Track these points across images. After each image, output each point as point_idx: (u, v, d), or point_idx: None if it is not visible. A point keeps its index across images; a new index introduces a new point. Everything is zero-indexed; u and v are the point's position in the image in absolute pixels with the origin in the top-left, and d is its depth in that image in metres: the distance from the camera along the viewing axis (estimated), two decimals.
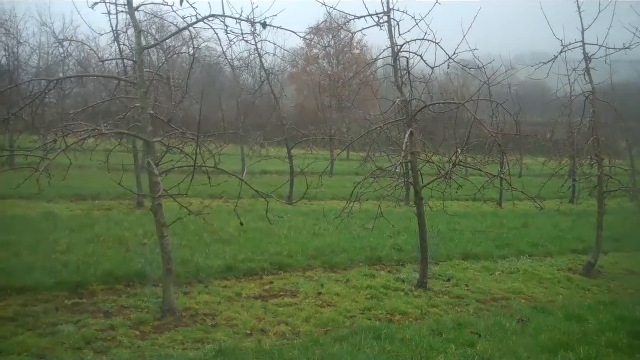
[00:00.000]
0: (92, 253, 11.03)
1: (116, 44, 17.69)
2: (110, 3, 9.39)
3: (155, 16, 19.81)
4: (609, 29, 12.37)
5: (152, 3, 9.10)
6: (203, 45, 27.37)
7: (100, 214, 16.22)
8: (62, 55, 33.57)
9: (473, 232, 15.89)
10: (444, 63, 10.42)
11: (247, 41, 14.60)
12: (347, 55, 52.08)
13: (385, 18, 10.40)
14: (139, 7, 8.82)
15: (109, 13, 11.74)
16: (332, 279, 10.75)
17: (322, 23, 30.60)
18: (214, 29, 8.69)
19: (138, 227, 13.58)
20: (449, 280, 11.15)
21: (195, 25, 8.71)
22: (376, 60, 12.90)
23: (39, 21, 46.21)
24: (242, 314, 8.55)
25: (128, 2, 8.54)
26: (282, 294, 9.75)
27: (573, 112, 16.34)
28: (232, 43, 11.11)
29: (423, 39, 10.15)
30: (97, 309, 8.44)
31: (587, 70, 12.56)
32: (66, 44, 29.97)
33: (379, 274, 11.30)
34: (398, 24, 10.35)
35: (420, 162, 10.69)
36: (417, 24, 10.03)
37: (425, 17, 10.01)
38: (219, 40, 29.51)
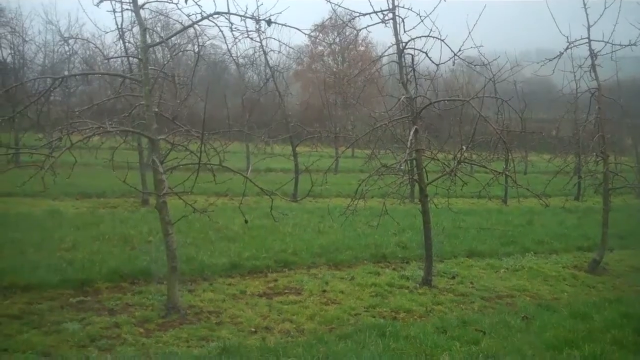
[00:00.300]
0: (97, 251, 11.06)
1: (121, 41, 17.74)
2: (115, 1, 9.38)
3: (160, 14, 19.79)
4: (615, 26, 12.29)
5: (157, 0, 9.10)
6: (208, 42, 27.44)
7: (105, 211, 16.25)
8: (68, 53, 33.65)
9: (478, 229, 15.87)
10: (449, 60, 10.41)
11: (252, 38, 14.64)
12: (352, 53, 51.94)
13: (390, 15, 10.39)
14: (144, 4, 8.80)
15: (114, 11, 11.70)
16: (336, 277, 10.75)
17: (326, 20, 30.51)
18: (218, 27, 8.73)
19: (143, 225, 13.61)
20: (453, 277, 11.14)
21: (200, 23, 8.73)
22: (381, 57, 12.88)
23: (44, 19, 46.56)
24: (246, 311, 8.56)
25: (133, 0, 8.54)
26: (286, 291, 9.76)
27: (578, 109, 16.29)
28: (236, 40, 11.14)
29: (428, 36, 10.13)
30: (102, 306, 8.47)
31: (593, 66, 12.53)
32: (71, 41, 29.98)
33: (383, 272, 11.30)
34: (403, 21, 10.34)
35: (425, 159, 10.67)
36: (422, 21, 10.02)
37: (430, 13, 9.98)
38: (224, 37, 29.38)
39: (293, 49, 41.06)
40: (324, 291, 9.80)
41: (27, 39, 32.09)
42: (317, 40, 48.55)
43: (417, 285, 10.38)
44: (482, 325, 8.06)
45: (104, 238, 12.18)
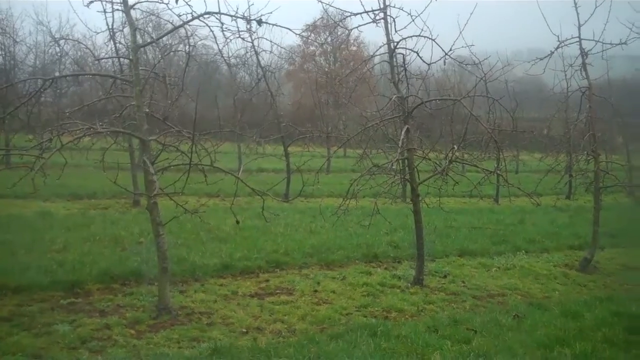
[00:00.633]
0: (87, 252, 11.02)
1: (112, 42, 17.68)
2: (106, 1, 9.37)
3: (151, 14, 19.76)
4: (605, 25, 12.35)
5: (148, 1, 9.07)
6: (199, 43, 27.40)
7: (96, 212, 16.19)
8: (58, 54, 33.54)
9: (469, 229, 15.90)
10: (440, 59, 10.41)
11: (243, 39, 14.64)
12: (344, 52, 51.95)
13: (382, 14, 10.40)
14: (134, 5, 8.79)
15: (105, 11, 11.70)
16: (328, 276, 10.74)
17: (318, 20, 30.53)
18: (209, 27, 8.75)
19: (134, 226, 13.57)
20: (445, 276, 11.16)
21: (190, 23, 8.72)
22: (372, 56, 12.87)
23: (35, 20, 46.54)
24: (237, 312, 8.55)
25: (123, 0, 8.52)
26: (278, 291, 9.75)
27: (569, 108, 16.31)
28: (228, 41, 11.13)
29: (419, 36, 10.14)
30: (93, 308, 8.45)
31: (584, 65, 12.57)
32: (62, 42, 29.88)
33: (375, 271, 11.31)
34: (394, 21, 10.34)
35: (417, 159, 10.69)
36: (413, 21, 10.03)
37: (422, 13, 10.00)
38: (215, 37, 29.43)
39: (285, 49, 40.99)
40: (316, 291, 9.79)
41: (17, 39, 32.01)
42: (309, 40, 48.55)
43: (409, 284, 10.39)
44: (474, 324, 8.07)
45: (95, 239, 12.13)
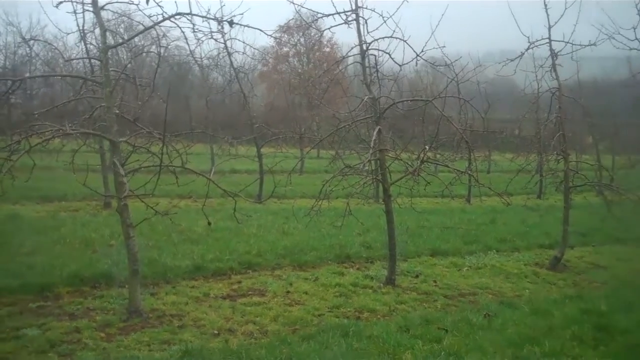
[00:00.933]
0: (57, 255, 10.88)
1: (83, 43, 17.48)
2: (76, 2, 9.27)
3: (122, 15, 19.59)
4: (575, 26, 12.52)
5: (118, 2, 9.00)
6: (172, 43, 27.18)
7: (67, 215, 16.01)
8: (29, 55, 33.14)
9: (441, 229, 15.99)
10: (412, 60, 10.48)
11: (215, 40, 14.56)
12: (317, 54, 52.03)
13: (353, 16, 10.42)
14: (104, 5, 8.72)
15: (75, 12, 11.58)
16: (300, 277, 10.73)
17: (290, 20, 30.50)
18: (180, 28, 8.70)
19: (105, 228, 13.43)
20: (417, 276, 11.21)
21: (162, 24, 8.68)
22: (344, 58, 12.91)
23: (5, 20, 45.69)
24: (209, 314, 8.50)
25: (93, 1, 8.44)
26: (250, 293, 9.71)
27: (540, 109, 16.50)
28: (200, 42, 11.08)
29: (391, 37, 10.20)
30: (62, 311, 8.35)
31: (554, 66, 12.73)
32: (32, 43, 29.54)
33: (347, 272, 11.32)
34: (366, 22, 10.38)
35: (389, 159, 10.73)
36: (384, 22, 10.08)
37: (393, 15, 10.05)
38: (186, 39, 29.24)
39: (258, 50, 40.90)
40: (288, 292, 9.78)
41: None
42: (282, 41, 48.50)
43: (381, 284, 10.42)
44: (445, 323, 8.11)
45: (65, 242, 12.00)
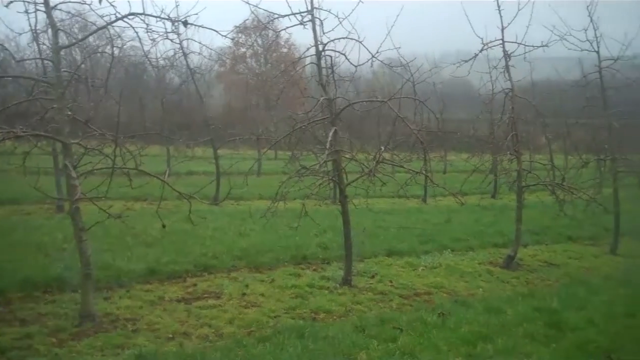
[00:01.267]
0: (8, 259, 10.62)
1: (35, 43, 17.10)
2: (27, 2, 9.06)
3: (75, 15, 19.22)
4: (528, 27, 12.76)
5: (71, 1, 8.84)
6: (128, 44, 26.77)
7: (18, 218, 15.66)
8: None
9: (398, 229, 16.09)
10: (367, 61, 10.54)
11: (171, 40, 14.39)
12: (275, 54, 51.90)
13: (309, 17, 10.41)
14: (56, 5, 8.53)
15: (27, 12, 11.33)
16: (257, 279, 10.69)
17: (245, 21, 30.30)
18: (133, 28, 8.54)
19: (57, 232, 13.14)
20: (373, 276, 11.26)
21: (116, 24, 8.54)
22: (300, 58, 12.91)
23: None
24: (164, 317, 8.41)
25: (45, 0, 8.26)
26: (205, 295, 9.63)
27: (494, 109, 16.68)
28: (154, 42, 10.93)
29: (346, 38, 10.22)
30: (13, 316, 8.16)
31: (507, 67, 12.88)
32: None
33: (304, 273, 11.32)
34: (322, 23, 10.37)
35: (345, 160, 10.75)
36: (340, 23, 10.09)
37: (349, 15, 10.07)
38: (139, 39, 28.86)
39: (214, 50, 40.61)
40: (244, 294, 9.72)
41: None
42: (239, 41, 48.22)
43: (337, 285, 10.44)
44: (400, 323, 8.17)
45: (17, 246, 11.74)
